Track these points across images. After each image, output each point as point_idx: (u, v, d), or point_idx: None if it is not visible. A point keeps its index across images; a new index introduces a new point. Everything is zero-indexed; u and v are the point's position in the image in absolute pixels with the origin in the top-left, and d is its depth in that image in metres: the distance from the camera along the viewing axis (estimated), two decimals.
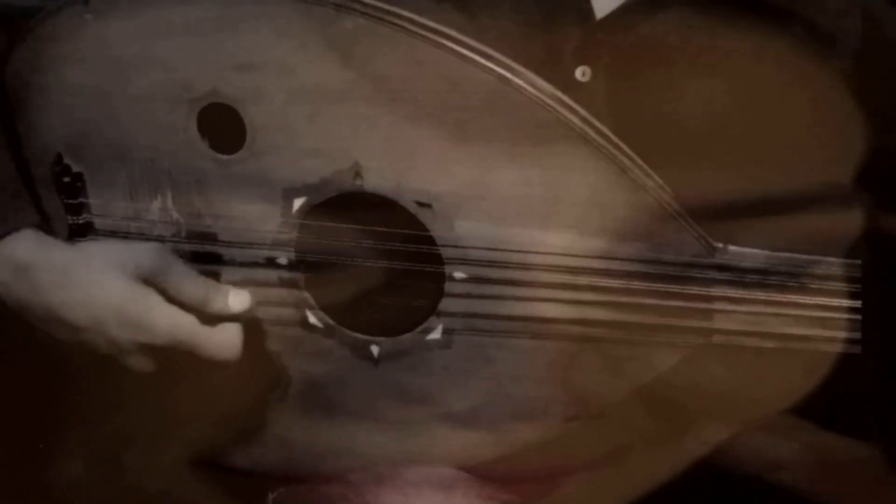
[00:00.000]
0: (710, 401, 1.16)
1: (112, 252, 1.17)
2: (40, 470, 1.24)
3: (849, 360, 1.12)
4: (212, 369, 1.16)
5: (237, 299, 1.16)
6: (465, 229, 1.13)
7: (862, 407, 1.20)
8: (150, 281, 1.15)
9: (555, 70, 1.16)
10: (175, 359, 1.16)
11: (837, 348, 1.12)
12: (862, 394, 1.19)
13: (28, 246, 1.16)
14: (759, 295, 1.11)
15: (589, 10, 1.17)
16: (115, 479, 1.23)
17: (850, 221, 1.16)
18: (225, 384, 1.18)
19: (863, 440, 1.20)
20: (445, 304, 1.15)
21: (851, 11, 1.18)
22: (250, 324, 1.17)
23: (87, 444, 1.24)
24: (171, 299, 1.15)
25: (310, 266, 1.17)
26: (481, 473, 1.21)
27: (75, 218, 1.20)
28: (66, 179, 1.19)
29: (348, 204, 1.15)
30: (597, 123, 1.10)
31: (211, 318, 1.15)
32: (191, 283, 1.15)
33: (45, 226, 1.19)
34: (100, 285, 1.14)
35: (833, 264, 1.11)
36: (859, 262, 1.11)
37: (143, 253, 1.16)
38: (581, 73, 1.17)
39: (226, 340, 1.16)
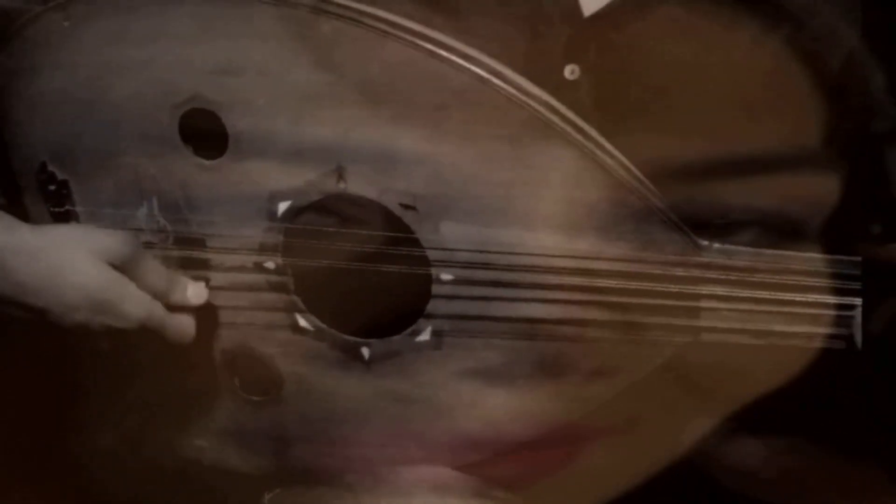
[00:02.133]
0: (724, 377, 1.15)
1: (84, 236, 1.16)
2: (63, 444, 1.24)
3: (842, 357, 1.11)
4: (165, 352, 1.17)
5: (195, 292, 1.16)
6: (450, 231, 1.12)
7: (858, 404, 1.19)
8: (123, 268, 1.14)
9: (543, 68, 1.15)
10: (130, 342, 1.16)
11: (825, 345, 1.10)
12: (858, 391, 1.18)
13: None
14: (746, 292, 1.10)
15: (577, 8, 1.16)
16: (137, 453, 1.23)
17: (824, 184, 1.16)
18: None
19: (858, 440, 1.19)
20: (433, 306, 1.14)
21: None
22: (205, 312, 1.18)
23: (108, 418, 1.24)
24: (141, 288, 1.15)
25: (298, 269, 1.17)
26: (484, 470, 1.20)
27: None
28: (52, 187, 1.19)
29: (333, 207, 1.14)
30: (580, 123, 1.09)
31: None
32: (156, 274, 1.16)
33: (9, 208, 1.18)
34: (72, 269, 1.13)
35: (818, 260, 1.10)
36: (848, 258, 1.10)
37: (115, 239, 1.15)
38: (570, 72, 1.16)
39: (185, 327, 1.17)
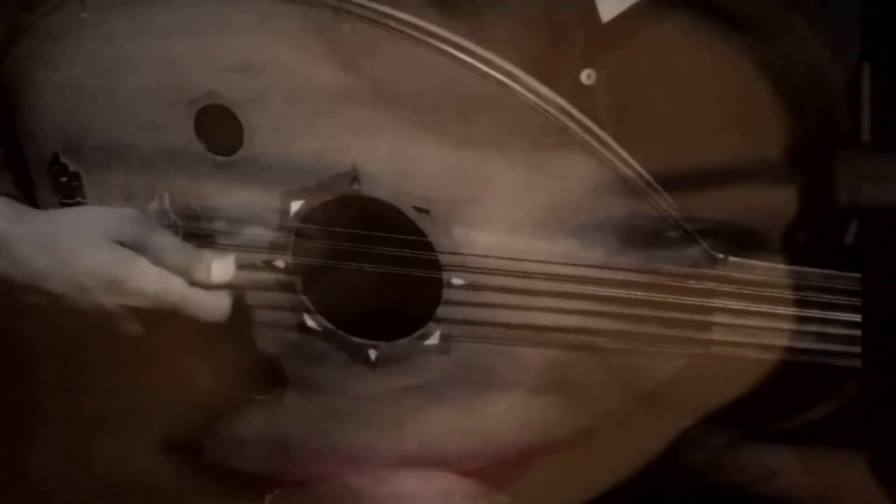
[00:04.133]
0: (681, 388, 1.15)
1: (92, 217, 1.15)
2: (11, 460, 1.24)
3: (849, 374, 1.11)
4: (198, 335, 1.15)
5: (221, 268, 1.14)
6: (463, 236, 1.12)
7: (860, 420, 1.19)
8: (134, 246, 1.13)
9: (560, 73, 1.15)
10: (163, 322, 1.14)
11: (836, 362, 1.11)
12: (860, 407, 1.18)
13: (1, 215, 1.15)
14: (759, 307, 1.10)
15: (594, 13, 1.16)
16: (86, 467, 1.22)
17: (783, 196, 1.16)
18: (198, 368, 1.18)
19: (859, 452, 1.19)
20: (443, 311, 1.14)
21: None
22: (235, 303, 1.16)
23: (56, 433, 1.22)
24: (156, 265, 1.13)
25: (307, 269, 1.16)
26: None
27: None
28: (63, 179, 1.18)
29: (346, 208, 1.14)
30: (598, 131, 1.09)
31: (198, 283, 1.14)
32: (174, 251, 1.14)
33: (19, 197, 1.18)
34: (82, 250, 1.13)
35: (833, 277, 1.10)
36: (860, 275, 1.10)
37: (124, 218, 1.15)
38: (586, 76, 1.16)
39: (214, 302, 1.14)
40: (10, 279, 1.14)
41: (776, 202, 1.17)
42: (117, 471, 1.20)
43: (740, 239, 1.14)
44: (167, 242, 1.14)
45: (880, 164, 1.19)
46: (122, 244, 1.13)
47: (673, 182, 1.12)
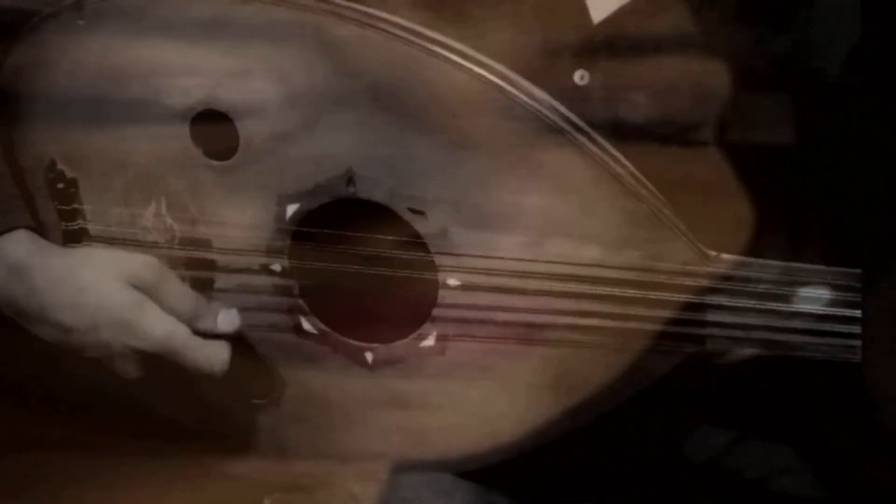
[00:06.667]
0: None
1: (109, 258, 1.17)
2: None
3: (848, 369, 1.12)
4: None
5: (226, 319, 1.17)
6: (458, 237, 1.13)
7: (862, 414, 1.20)
8: (146, 290, 1.15)
9: (553, 73, 1.16)
10: (161, 367, 1.16)
11: (831, 356, 1.11)
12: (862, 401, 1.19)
13: (22, 246, 1.17)
14: (752, 303, 1.11)
15: (586, 14, 1.17)
16: None
17: (709, 74, 1.18)
18: None
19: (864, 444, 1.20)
20: (439, 312, 1.15)
21: None
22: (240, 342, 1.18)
23: None
24: (165, 311, 1.15)
25: (304, 273, 1.17)
26: None
27: (69, 224, 1.20)
28: (60, 185, 1.19)
29: (342, 211, 1.15)
30: (591, 132, 1.10)
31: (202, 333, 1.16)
32: (183, 298, 1.16)
33: (39, 229, 1.19)
34: (96, 289, 1.15)
35: (827, 273, 1.11)
36: (856, 271, 1.10)
37: (139, 262, 1.17)
38: (579, 77, 1.18)
39: (215, 353, 1.16)
40: (22, 307, 1.16)
41: (705, 78, 1.18)
42: None
43: (680, 129, 1.15)
44: (178, 290, 1.17)
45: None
46: (136, 288, 1.15)
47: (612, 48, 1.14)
